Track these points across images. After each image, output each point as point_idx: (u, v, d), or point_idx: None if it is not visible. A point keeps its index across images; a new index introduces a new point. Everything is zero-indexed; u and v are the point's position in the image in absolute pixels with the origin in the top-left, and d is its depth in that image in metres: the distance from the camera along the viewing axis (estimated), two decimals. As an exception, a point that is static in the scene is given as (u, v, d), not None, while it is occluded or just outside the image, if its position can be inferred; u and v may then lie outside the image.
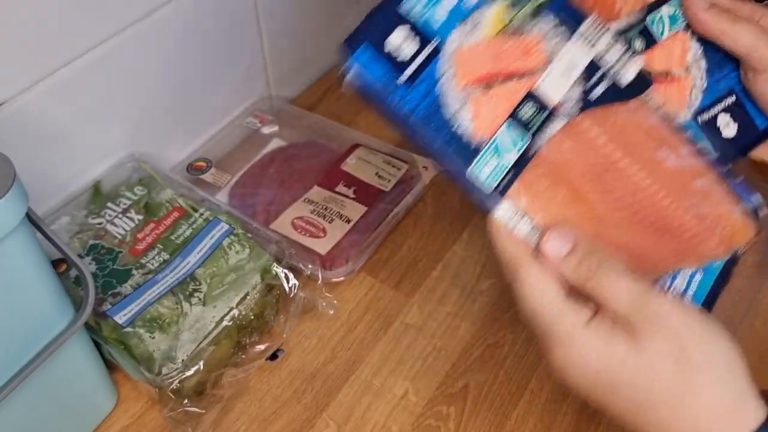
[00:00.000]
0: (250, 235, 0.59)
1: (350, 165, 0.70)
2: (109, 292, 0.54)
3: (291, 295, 0.57)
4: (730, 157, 0.47)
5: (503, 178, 0.39)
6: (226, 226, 0.59)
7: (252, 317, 0.55)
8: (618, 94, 0.43)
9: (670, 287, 0.42)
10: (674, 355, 0.35)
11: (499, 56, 0.41)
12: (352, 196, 0.67)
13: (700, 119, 0.48)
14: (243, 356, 0.55)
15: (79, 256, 0.56)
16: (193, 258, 0.57)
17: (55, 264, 0.55)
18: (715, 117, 0.48)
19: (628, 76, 0.44)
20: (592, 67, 0.43)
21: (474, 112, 0.40)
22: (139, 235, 0.58)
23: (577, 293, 0.38)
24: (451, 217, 0.68)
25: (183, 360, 0.51)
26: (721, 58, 0.47)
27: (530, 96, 0.41)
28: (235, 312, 0.54)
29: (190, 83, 0.68)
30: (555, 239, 0.38)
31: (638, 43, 0.46)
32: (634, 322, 0.35)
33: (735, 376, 0.35)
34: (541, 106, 0.41)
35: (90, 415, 0.52)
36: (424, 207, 0.69)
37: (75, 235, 0.58)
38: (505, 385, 0.55)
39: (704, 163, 0.44)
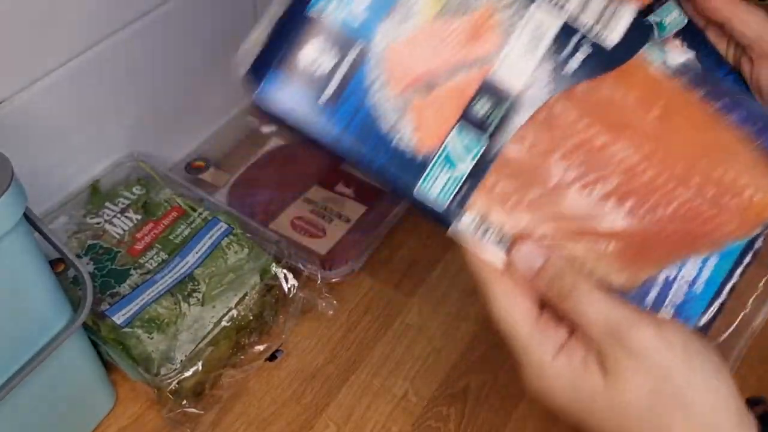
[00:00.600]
0: (249, 234, 0.59)
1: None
2: (108, 292, 0.54)
3: (290, 296, 0.57)
4: None
5: (458, 192, 0.34)
6: (225, 226, 0.58)
7: (251, 317, 0.54)
8: (604, 60, 0.35)
9: (676, 278, 0.38)
10: (649, 392, 0.33)
11: (440, 46, 0.34)
12: (352, 195, 0.67)
13: None
14: (242, 357, 0.55)
15: (78, 255, 0.56)
16: (192, 258, 0.56)
17: (53, 264, 0.54)
18: None
19: (617, 31, 0.35)
20: (566, 32, 0.34)
21: (416, 121, 0.34)
22: (138, 235, 0.58)
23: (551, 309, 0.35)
24: (450, 217, 0.67)
25: (181, 360, 0.50)
26: (713, 62, 0.41)
27: (484, 88, 0.34)
28: (234, 312, 0.53)
29: (188, 82, 0.67)
30: (524, 253, 0.35)
31: None
32: (606, 354, 0.33)
33: (717, 413, 0.33)
34: (500, 98, 0.34)
35: (88, 416, 0.52)
36: (424, 207, 0.68)
37: (73, 234, 0.58)
38: (506, 385, 0.55)
39: (723, 119, 0.37)
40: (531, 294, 0.35)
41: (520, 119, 0.34)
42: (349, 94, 0.33)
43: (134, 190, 0.61)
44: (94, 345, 0.51)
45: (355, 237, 0.63)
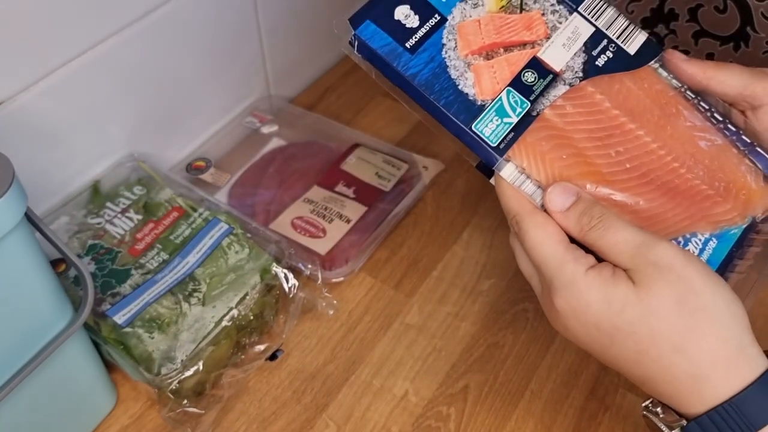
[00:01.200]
0: (249, 235, 0.59)
1: (350, 165, 0.70)
2: (108, 292, 0.54)
3: (290, 296, 0.57)
4: None
5: (504, 137, 0.41)
6: (226, 226, 0.59)
7: (251, 317, 0.54)
8: (625, 61, 0.45)
9: None
10: (676, 301, 0.35)
11: (501, 29, 0.44)
12: (352, 195, 0.67)
13: None
14: (242, 356, 0.55)
15: (78, 256, 0.56)
16: (193, 258, 0.56)
17: (54, 264, 0.55)
18: None
19: (634, 46, 0.46)
20: (598, 36, 0.45)
21: (476, 78, 0.42)
22: (138, 235, 0.58)
23: (580, 246, 0.39)
24: (451, 217, 0.68)
25: (182, 360, 0.51)
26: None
27: (532, 63, 0.43)
28: (235, 312, 0.54)
29: (189, 83, 0.67)
30: (557, 194, 0.40)
31: None
32: (635, 270, 0.36)
33: (737, 324, 0.35)
34: (543, 72, 0.43)
35: (89, 416, 0.52)
36: (424, 207, 0.69)
37: (74, 234, 0.58)
38: (506, 385, 0.55)
39: (716, 130, 0.45)
40: (561, 230, 0.39)
41: (557, 92, 0.43)
42: (428, 45, 0.43)
43: (135, 190, 0.62)
44: (95, 345, 0.51)
45: (356, 237, 0.63)
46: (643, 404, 0.39)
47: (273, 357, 0.57)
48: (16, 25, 0.49)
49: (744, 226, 0.43)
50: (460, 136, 0.42)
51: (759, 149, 0.44)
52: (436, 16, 0.43)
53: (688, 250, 0.42)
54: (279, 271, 0.56)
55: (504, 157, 0.41)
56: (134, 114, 0.64)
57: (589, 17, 0.46)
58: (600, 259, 0.38)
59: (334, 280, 0.61)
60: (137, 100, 0.63)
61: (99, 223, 0.59)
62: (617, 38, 0.46)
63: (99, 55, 0.56)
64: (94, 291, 0.44)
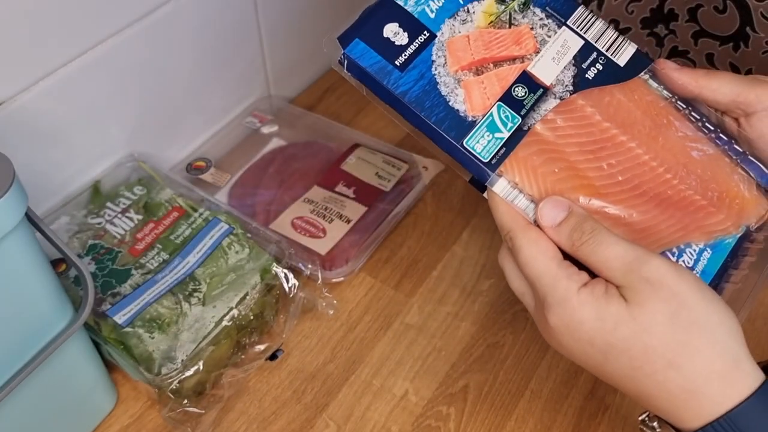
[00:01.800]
0: (249, 235, 0.59)
1: (350, 165, 0.70)
2: (109, 292, 0.54)
3: (291, 295, 0.57)
4: None
5: (496, 153, 0.41)
6: (226, 226, 0.59)
7: (251, 317, 0.54)
8: (615, 73, 0.45)
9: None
10: (669, 318, 0.35)
11: (490, 45, 0.44)
12: (352, 196, 0.67)
13: None
14: (242, 356, 0.55)
15: (79, 255, 0.56)
16: (193, 258, 0.56)
17: (55, 264, 0.55)
18: None
19: (623, 58, 0.46)
20: (587, 49, 0.45)
21: (466, 94, 0.42)
22: (139, 235, 0.58)
23: (573, 262, 0.38)
24: (451, 217, 0.68)
25: (182, 360, 0.51)
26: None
27: (522, 78, 0.43)
28: (235, 312, 0.54)
29: (189, 83, 0.68)
30: (548, 209, 0.40)
31: None
32: (628, 287, 0.36)
33: (731, 338, 0.35)
34: (534, 87, 0.43)
35: (89, 415, 0.52)
36: (424, 207, 0.69)
37: (74, 234, 0.58)
38: (505, 385, 0.55)
39: (708, 139, 0.45)
40: (554, 246, 0.39)
41: (547, 106, 0.43)
42: (418, 62, 0.42)
43: (135, 190, 0.62)
44: (96, 345, 0.51)
45: (356, 237, 0.63)
46: (640, 417, 0.39)
47: (273, 357, 0.57)
48: (16, 25, 0.49)
49: (738, 235, 0.43)
50: (451, 153, 0.41)
51: (751, 158, 0.44)
52: (425, 32, 0.43)
53: (683, 261, 0.41)
54: (279, 271, 0.56)
55: (496, 172, 0.41)
56: (134, 114, 0.64)
57: (578, 30, 0.45)
58: (594, 274, 0.38)
59: (334, 280, 0.61)
60: (137, 100, 0.63)
61: (99, 223, 0.59)
62: (607, 50, 0.45)
63: (99, 55, 0.56)
64: (94, 291, 0.44)
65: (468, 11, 0.44)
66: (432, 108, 0.41)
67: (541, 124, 0.42)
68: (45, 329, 0.44)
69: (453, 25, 0.44)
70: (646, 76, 0.46)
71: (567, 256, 0.39)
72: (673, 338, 0.35)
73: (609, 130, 0.43)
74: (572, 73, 0.44)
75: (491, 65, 0.43)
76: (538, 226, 0.40)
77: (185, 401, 0.51)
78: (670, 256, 0.41)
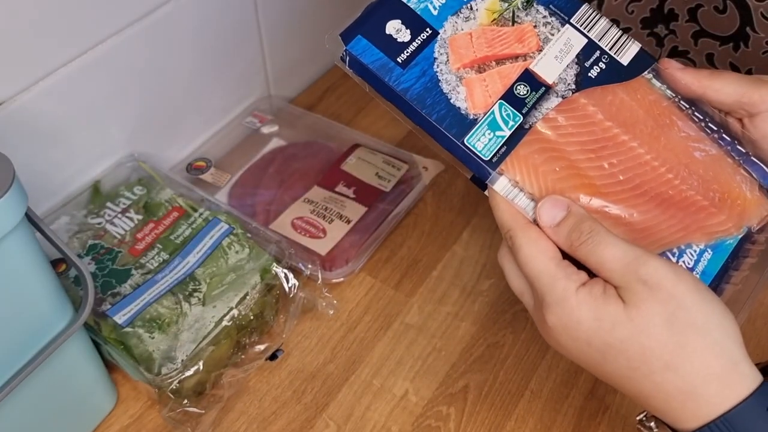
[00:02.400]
0: (249, 235, 0.59)
1: (350, 165, 0.70)
2: (109, 292, 0.54)
3: (291, 295, 0.57)
4: None
5: (497, 151, 0.41)
6: (226, 226, 0.59)
7: (251, 317, 0.54)
8: (618, 72, 0.45)
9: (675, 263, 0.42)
10: (666, 319, 0.35)
11: (493, 42, 0.44)
12: (352, 196, 0.67)
13: None
14: (242, 356, 0.55)
15: (79, 255, 0.56)
16: (193, 258, 0.56)
17: (55, 264, 0.55)
18: None
19: (627, 56, 0.46)
20: (590, 48, 0.45)
21: (467, 91, 0.42)
22: (139, 235, 0.58)
23: (572, 261, 0.39)
24: (451, 217, 0.68)
25: (182, 360, 0.51)
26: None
27: (524, 76, 0.43)
28: (235, 312, 0.54)
29: (189, 83, 0.68)
30: (547, 209, 0.40)
31: None
32: (625, 288, 0.36)
33: (729, 340, 0.35)
34: (536, 85, 0.43)
35: (89, 415, 0.52)
36: (424, 207, 0.69)
37: (74, 234, 0.58)
38: (505, 385, 0.55)
39: (710, 139, 0.44)
40: (554, 245, 0.39)
41: (549, 104, 0.43)
42: (420, 60, 0.42)
43: (135, 190, 0.62)
44: (96, 345, 0.51)
45: (356, 238, 0.63)
46: (637, 417, 0.39)
47: (273, 357, 0.57)
48: (16, 25, 0.49)
49: (739, 236, 0.43)
50: (452, 151, 0.41)
51: (754, 159, 0.44)
52: (428, 30, 0.43)
53: (683, 262, 0.41)
54: (279, 271, 0.56)
55: (497, 170, 0.41)
56: (134, 114, 0.64)
57: (581, 29, 0.45)
58: (593, 273, 0.38)
59: (334, 280, 0.61)
60: (137, 100, 0.63)
61: (99, 223, 0.59)
62: (610, 49, 0.45)
63: (99, 55, 0.56)
64: (94, 291, 0.44)
65: (471, 8, 0.44)
66: (433, 105, 0.41)
67: (543, 123, 0.42)
68: (45, 329, 0.44)
69: (456, 23, 0.44)
70: (650, 76, 0.46)
71: (567, 255, 0.39)
72: (670, 340, 0.35)
73: (611, 130, 0.43)
74: (575, 72, 0.44)
75: (493, 63, 0.43)
76: (538, 225, 0.40)
77: (185, 401, 0.51)
78: (671, 257, 0.41)
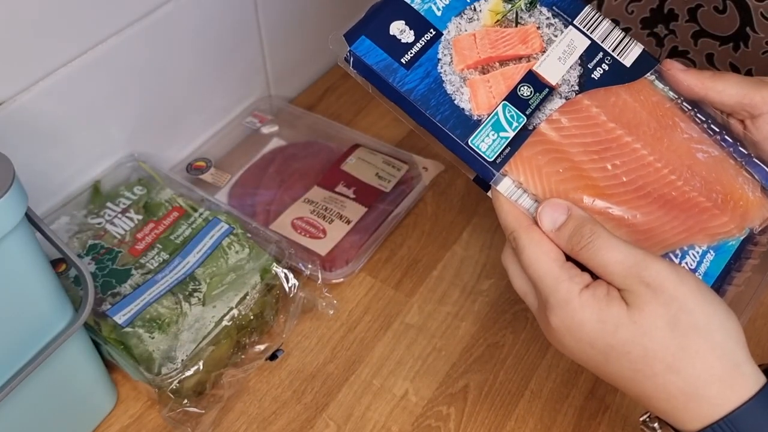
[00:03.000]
0: (249, 235, 0.59)
1: (350, 165, 0.70)
2: (109, 292, 0.54)
3: (291, 295, 0.57)
4: None
5: (501, 152, 0.41)
6: (226, 226, 0.59)
7: (252, 317, 0.54)
8: (621, 74, 0.45)
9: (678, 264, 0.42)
10: (668, 322, 0.35)
11: (497, 43, 0.44)
12: (352, 196, 0.67)
13: None
14: (242, 356, 0.55)
15: (79, 255, 0.56)
16: (193, 258, 0.56)
17: (55, 264, 0.55)
18: None
19: (630, 58, 0.46)
20: (593, 49, 0.45)
21: (471, 92, 0.42)
22: (139, 235, 0.58)
23: (576, 262, 0.39)
24: (451, 217, 0.68)
25: (182, 360, 0.51)
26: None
27: (528, 77, 0.43)
28: (235, 312, 0.54)
29: (189, 83, 0.68)
30: (547, 212, 0.40)
31: None
32: (628, 291, 0.36)
33: (732, 341, 0.35)
34: (539, 86, 0.43)
35: (89, 415, 0.52)
36: (424, 207, 0.69)
37: (74, 234, 0.58)
38: (506, 385, 0.55)
39: (713, 141, 0.45)
40: (557, 247, 0.39)
41: (553, 106, 0.43)
42: (424, 61, 0.42)
43: (135, 190, 0.62)
44: (96, 345, 0.51)
45: (356, 238, 0.63)
46: (641, 418, 0.39)
47: (273, 357, 0.57)
48: (16, 25, 0.49)
49: (742, 238, 0.43)
50: (456, 151, 0.41)
51: (756, 160, 0.44)
52: (432, 31, 0.43)
53: (686, 263, 0.41)
54: (279, 271, 0.56)
55: (500, 171, 0.41)
56: (134, 114, 0.64)
57: (584, 30, 0.45)
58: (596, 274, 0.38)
59: (334, 280, 0.61)
60: (137, 100, 0.63)
61: (99, 223, 0.59)
62: (613, 51, 0.45)
63: (99, 55, 0.56)
64: (94, 291, 0.44)
65: (475, 9, 0.44)
66: (437, 106, 0.41)
67: (547, 124, 0.42)
68: (45, 329, 0.44)
69: (459, 24, 0.44)
70: (652, 77, 0.46)
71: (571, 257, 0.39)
72: (673, 342, 0.35)
73: (614, 131, 0.43)
74: (578, 73, 0.44)
75: (497, 64, 0.43)
76: None
77: (185, 401, 0.51)
78: (674, 258, 0.41)
